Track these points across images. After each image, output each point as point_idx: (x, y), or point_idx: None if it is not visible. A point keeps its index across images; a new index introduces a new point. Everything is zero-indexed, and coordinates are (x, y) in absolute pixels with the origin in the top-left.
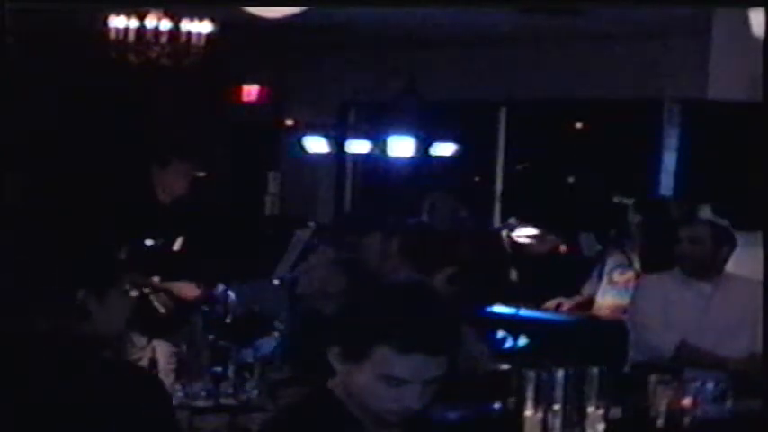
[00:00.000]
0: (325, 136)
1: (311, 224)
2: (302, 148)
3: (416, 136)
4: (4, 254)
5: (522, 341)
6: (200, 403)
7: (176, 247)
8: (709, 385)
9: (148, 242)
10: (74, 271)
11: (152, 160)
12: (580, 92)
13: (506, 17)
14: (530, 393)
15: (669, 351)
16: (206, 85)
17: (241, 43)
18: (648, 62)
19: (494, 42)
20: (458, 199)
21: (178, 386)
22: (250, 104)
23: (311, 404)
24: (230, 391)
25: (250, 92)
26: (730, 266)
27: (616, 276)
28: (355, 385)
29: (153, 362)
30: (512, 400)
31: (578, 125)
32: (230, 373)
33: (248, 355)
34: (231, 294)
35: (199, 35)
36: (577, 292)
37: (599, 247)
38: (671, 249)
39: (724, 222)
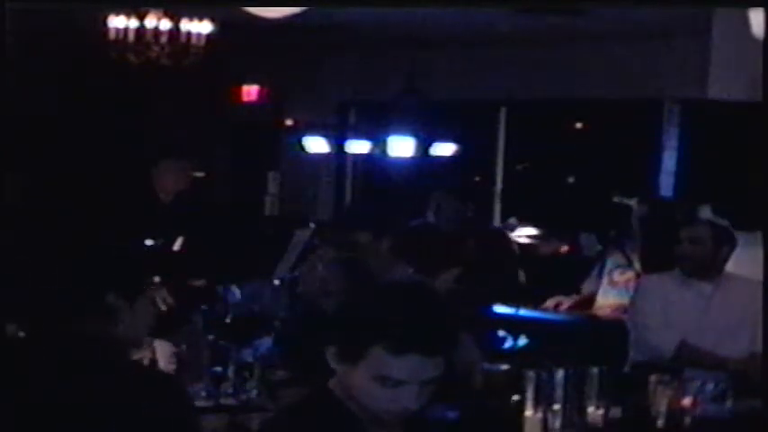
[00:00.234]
0: (325, 136)
1: (311, 225)
2: (302, 148)
3: (416, 136)
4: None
5: (522, 341)
6: (201, 403)
7: (176, 247)
8: (709, 385)
9: (148, 242)
10: (106, 275)
11: (149, 160)
12: (580, 92)
13: (506, 17)
14: (530, 393)
15: (669, 351)
16: (206, 85)
17: (241, 43)
18: (648, 62)
19: (494, 42)
20: (464, 199)
21: None
22: (250, 104)
23: (311, 404)
24: (230, 391)
25: (250, 92)
26: (730, 266)
27: (616, 276)
28: (353, 386)
29: (153, 362)
30: (512, 400)
31: (578, 125)
32: (230, 373)
33: (248, 355)
34: (236, 292)
35: (199, 35)
36: (577, 292)
37: (599, 247)
38: (671, 249)
39: (724, 222)
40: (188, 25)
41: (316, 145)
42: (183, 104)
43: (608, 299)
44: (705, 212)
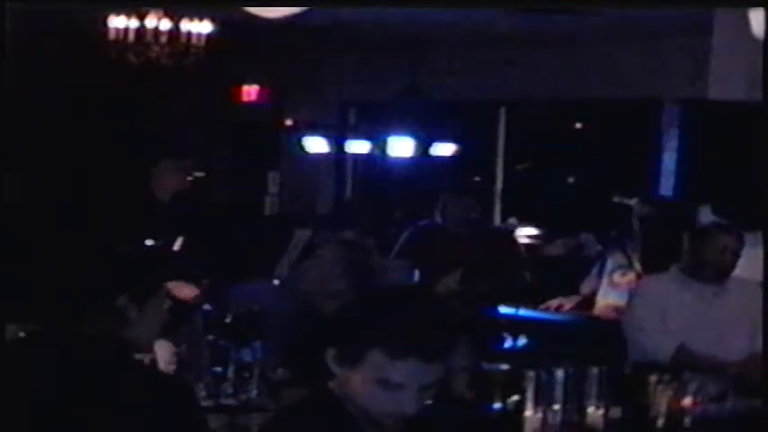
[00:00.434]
0: (326, 136)
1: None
2: (302, 148)
3: (416, 136)
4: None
5: (522, 341)
6: (201, 403)
7: (176, 247)
8: (710, 385)
9: (148, 242)
10: (118, 279)
11: (149, 160)
12: (580, 92)
13: (506, 17)
14: (530, 393)
15: (667, 357)
16: (206, 85)
17: (241, 43)
18: (648, 62)
19: (494, 42)
20: (470, 200)
21: None
22: (250, 104)
23: (311, 405)
24: (230, 391)
25: (250, 92)
26: None
27: (617, 278)
28: (352, 388)
29: (153, 362)
30: (512, 400)
31: (578, 125)
32: (230, 373)
33: (248, 355)
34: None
35: (199, 35)
36: (577, 292)
37: (599, 247)
38: (672, 250)
39: (731, 224)
40: (188, 25)
41: (316, 145)
42: (183, 104)
43: (608, 300)
44: (705, 212)
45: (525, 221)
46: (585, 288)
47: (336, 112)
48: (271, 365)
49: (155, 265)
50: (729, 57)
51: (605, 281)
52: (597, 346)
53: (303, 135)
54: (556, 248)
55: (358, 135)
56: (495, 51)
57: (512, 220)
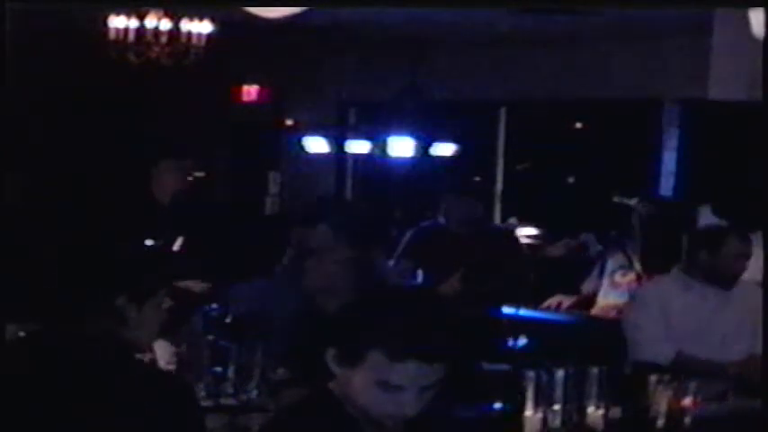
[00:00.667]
0: (325, 136)
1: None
2: (302, 148)
3: (416, 136)
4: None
5: (522, 341)
6: (201, 403)
7: (176, 247)
8: (710, 385)
9: (148, 242)
10: (117, 278)
11: (149, 160)
12: (580, 92)
13: (506, 17)
14: (530, 393)
15: (666, 363)
16: (206, 85)
17: (241, 43)
18: (648, 62)
19: (494, 42)
20: (473, 200)
21: None
22: (250, 104)
23: (311, 405)
24: (230, 391)
25: (250, 92)
26: None
27: (618, 278)
28: (352, 389)
29: (153, 362)
30: (512, 400)
31: (578, 125)
32: (230, 373)
33: (248, 354)
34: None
35: (199, 35)
36: (577, 292)
37: (599, 247)
38: (672, 250)
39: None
40: (188, 25)
41: (316, 145)
42: (182, 104)
43: (609, 300)
44: (705, 212)
45: (525, 221)
46: (586, 289)
47: (336, 112)
48: (271, 365)
49: (154, 265)
50: (729, 57)
51: (606, 281)
52: (597, 346)
53: (303, 135)
54: (558, 249)
55: (358, 135)
56: (495, 51)
57: (512, 220)
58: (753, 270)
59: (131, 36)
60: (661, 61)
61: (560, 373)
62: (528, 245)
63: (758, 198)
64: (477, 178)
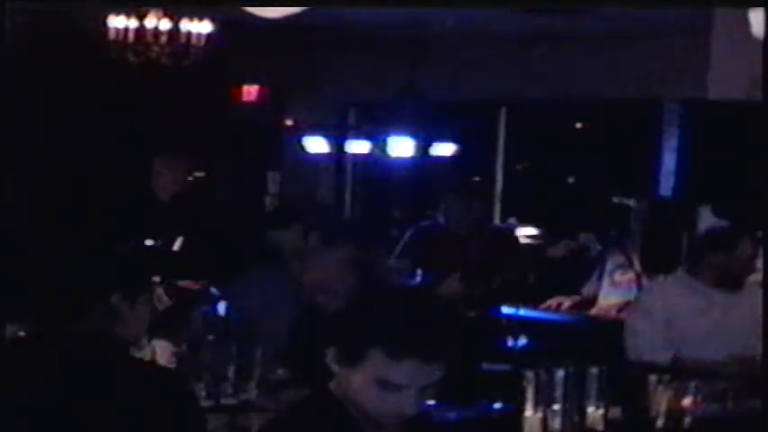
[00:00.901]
0: (325, 136)
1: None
2: (302, 148)
3: (416, 136)
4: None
5: (522, 341)
6: (201, 403)
7: (176, 247)
8: (710, 385)
9: (148, 242)
10: (111, 276)
11: (149, 159)
12: (580, 92)
13: (507, 17)
14: (530, 393)
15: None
16: (206, 85)
17: (241, 43)
18: (648, 62)
19: (494, 42)
20: (472, 200)
21: None
22: (250, 104)
23: (311, 405)
24: (230, 391)
25: (250, 92)
26: None
27: (617, 277)
28: (352, 388)
29: (152, 361)
30: (512, 400)
31: (578, 125)
32: (230, 373)
33: (248, 355)
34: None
35: (199, 35)
36: (578, 292)
37: (599, 248)
38: (672, 249)
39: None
40: (188, 25)
41: (316, 145)
42: (182, 104)
43: (609, 300)
44: (705, 212)
45: (525, 221)
46: (587, 292)
47: (336, 112)
48: (271, 365)
49: (150, 262)
50: (729, 57)
51: (606, 281)
52: (597, 346)
53: (303, 135)
54: (558, 250)
55: (358, 135)
56: (495, 51)
57: (512, 220)
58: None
59: (131, 36)
60: (661, 61)
61: (560, 373)
62: (528, 245)
63: (758, 198)
64: (477, 178)
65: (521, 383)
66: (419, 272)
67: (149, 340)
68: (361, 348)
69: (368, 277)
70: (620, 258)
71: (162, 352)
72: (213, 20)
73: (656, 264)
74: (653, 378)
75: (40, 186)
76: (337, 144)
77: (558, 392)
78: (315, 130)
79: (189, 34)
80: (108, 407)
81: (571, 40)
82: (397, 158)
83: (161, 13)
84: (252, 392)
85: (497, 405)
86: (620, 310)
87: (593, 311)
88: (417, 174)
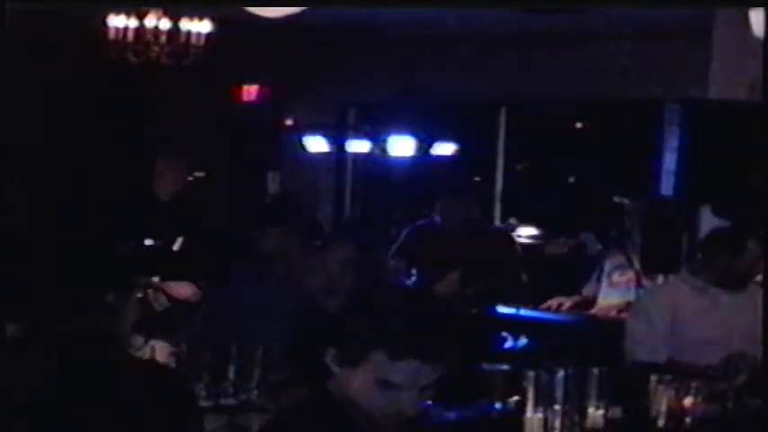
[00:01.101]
0: (325, 136)
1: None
2: (302, 148)
3: (416, 136)
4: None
5: (522, 341)
6: (201, 403)
7: (176, 247)
8: (710, 385)
9: (148, 242)
10: (105, 273)
11: (149, 159)
12: (580, 92)
13: (507, 17)
14: (530, 393)
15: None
16: (206, 85)
17: (241, 43)
18: (648, 62)
19: (494, 42)
20: (469, 200)
21: None
22: (250, 104)
23: (311, 406)
24: (230, 391)
25: (250, 92)
26: None
27: (616, 278)
28: (352, 389)
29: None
30: (512, 400)
31: (578, 125)
32: (230, 373)
33: (248, 355)
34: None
35: (199, 35)
36: (578, 292)
37: (599, 247)
38: (672, 249)
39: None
40: (188, 25)
41: (316, 145)
42: (182, 104)
43: (608, 300)
44: (706, 213)
45: (525, 221)
46: (587, 293)
47: (336, 112)
48: (271, 365)
49: (144, 260)
50: (729, 57)
51: (605, 282)
52: (597, 346)
53: (303, 135)
54: (556, 248)
55: (358, 135)
56: (495, 51)
57: (512, 220)
58: None
59: (131, 36)
60: (661, 61)
61: (560, 373)
62: (527, 244)
63: (758, 198)
64: (477, 178)
65: (521, 383)
66: (414, 271)
67: (146, 341)
68: (360, 349)
69: (368, 277)
70: (618, 259)
71: (160, 352)
72: (213, 20)
73: (656, 264)
74: (653, 378)
75: (40, 186)
76: (337, 144)
77: (559, 392)
78: (315, 129)
79: (189, 34)
80: (108, 406)
81: (571, 40)
82: (397, 158)
83: (161, 12)
84: (252, 392)
85: (497, 405)
86: (620, 311)
87: (594, 311)
88: (417, 174)
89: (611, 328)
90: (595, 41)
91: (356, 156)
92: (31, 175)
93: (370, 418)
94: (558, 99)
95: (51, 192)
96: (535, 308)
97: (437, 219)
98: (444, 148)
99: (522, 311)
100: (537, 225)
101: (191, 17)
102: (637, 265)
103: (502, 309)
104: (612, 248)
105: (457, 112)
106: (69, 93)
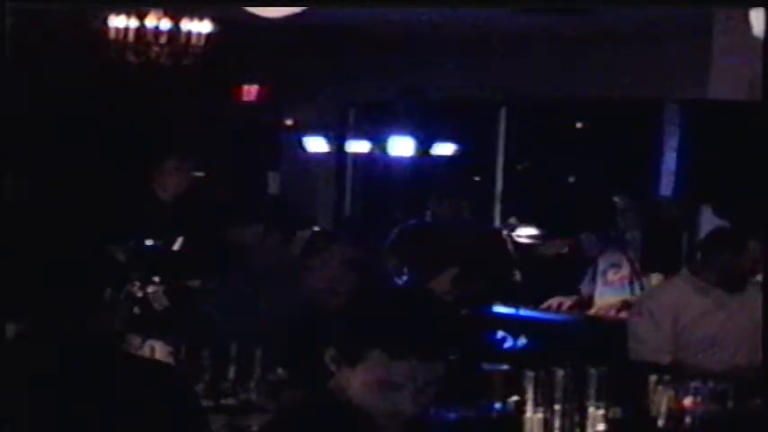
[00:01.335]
0: (325, 136)
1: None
2: (302, 148)
3: (416, 136)
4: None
5: (522, 341)
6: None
7: (176, 247)
8: (710, 385)
9: (148, 242)
10: (104, 273)
11: (149, 159)
12: (580, 92)
13: (508, 17)
14: (530, 393)
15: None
16: (206, 85)
17: (241, 43)
18: (648, 62)
19: (494, 42)
20: (460, 200)
21: None
22: (250, 104)
23: (311, 405)
24: (230, 391)
25: (250, 92)
26: None
27: (610, 276)
28: (351, 388)
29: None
30: (512, 400)
31: (578, 125)
32: (230, 373)
33: (248, 355)
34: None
35: (199, 35)
36: (577, 292)
37: (599, 247)
38: (671, 249)
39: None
40: (188, 25)
41: (316, 145)
42: (183, 104)
43: (604, 299)
44: (706, 213)
45: (525, 221)
46: (584, 291)
47: (336, 112)
48: (270, 365)
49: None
50: (729, 57)
51: (599, 281)
52: (597, 346)
53: (303, 135)
54: (552, 248)
55: (358, 135)
56: (495, 51)
57: (512, 220)
58: None
59: (131, 36)
60: (661, 61)
61: (560, 373)
62: (525, 244)
63: (758, 198)
64: (477, 178)
65: (521, 383)
66: (405, 270)
67: (143, 340)
68: (360, 348)
69: (368, 277)
70: (612, 257)
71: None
72: (213, 20)
73: (655, 263)
74: (653, 378)
75: (40, 186)
76: (337, 144)
77: (558, 392)
78: (315, 130)
79: (189, 34)
80: (108, 406)
81: (571, 40)
82: (397, 158)
83: (161, 12)
84: (252, 392)
85: (497, 405)
86: (619, 310)
87: (593, 311)
88: (417, 174)
89: (611, 329)
90: (595, 41)
91: (356, 156)
92: (31, 175)
93: (369, 417)
94: (558, 99)
95: (51, 192)
96: (535, 308)
97: (428, 218)
98: (444, 148)
99: (522, 311)
100: (537, 225)
101: (191, 17)
102: (636, 264)
103: (501, 309)
104: (610, 247)
105: (457, 112)
106: (69, 92)
